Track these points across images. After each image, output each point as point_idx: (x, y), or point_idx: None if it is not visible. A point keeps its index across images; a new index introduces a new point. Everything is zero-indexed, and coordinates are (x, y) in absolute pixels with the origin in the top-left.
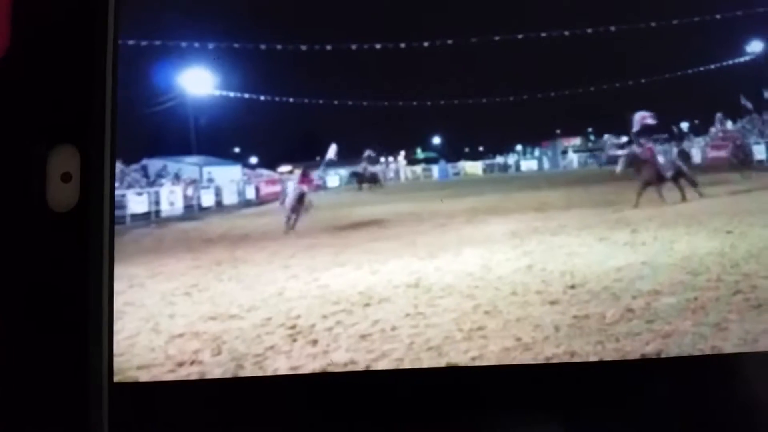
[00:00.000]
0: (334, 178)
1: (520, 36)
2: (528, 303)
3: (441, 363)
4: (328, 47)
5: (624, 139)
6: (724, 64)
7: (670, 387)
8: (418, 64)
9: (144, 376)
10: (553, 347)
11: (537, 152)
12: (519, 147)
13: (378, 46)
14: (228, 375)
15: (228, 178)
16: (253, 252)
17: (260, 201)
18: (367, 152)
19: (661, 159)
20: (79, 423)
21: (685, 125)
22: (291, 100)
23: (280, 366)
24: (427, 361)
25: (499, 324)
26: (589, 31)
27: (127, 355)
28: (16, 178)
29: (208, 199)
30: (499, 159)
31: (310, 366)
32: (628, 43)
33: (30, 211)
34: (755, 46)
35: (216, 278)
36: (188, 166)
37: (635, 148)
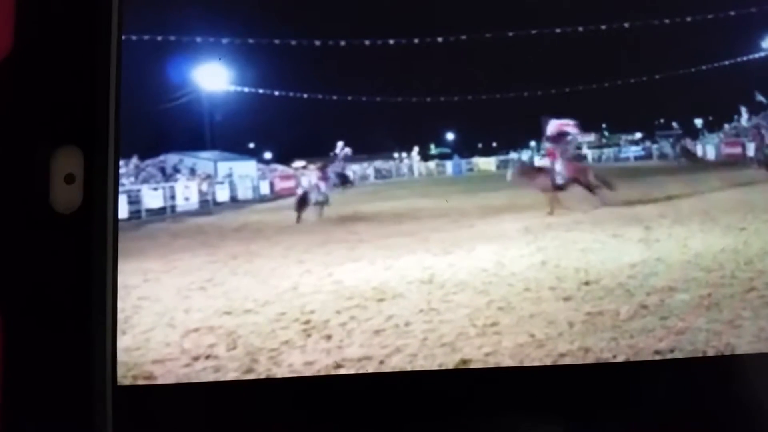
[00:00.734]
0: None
1: (534, 32)
2: (542, 299)
3: (455, 359)
4: (342, 43)
5: (638, 135)
6: (739, 60)
7: (671, 389)
8: (432, 59)
9: (159, 371)
10: (566, 344)
11: None
12: (533, 143)
13: (392, 42)
14: (243, 369)
15: (242, 174)
16: (267, 247)
17: (275, 196)
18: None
19: (558, 167)
20: (83, 427)
21: (698, 121)
22: (305, 95)
23: (294, 361)
24: (441, 357)
25: (512, 320)
26: (603, 27)
27: (143, 350)
28: (19, 180)
29: (222, 195)
30: (513, 155)
31: (324, 361)
32: (642, 40)
33: (33, 212)
34: None
35: (231, 273)
36: (203, 161)
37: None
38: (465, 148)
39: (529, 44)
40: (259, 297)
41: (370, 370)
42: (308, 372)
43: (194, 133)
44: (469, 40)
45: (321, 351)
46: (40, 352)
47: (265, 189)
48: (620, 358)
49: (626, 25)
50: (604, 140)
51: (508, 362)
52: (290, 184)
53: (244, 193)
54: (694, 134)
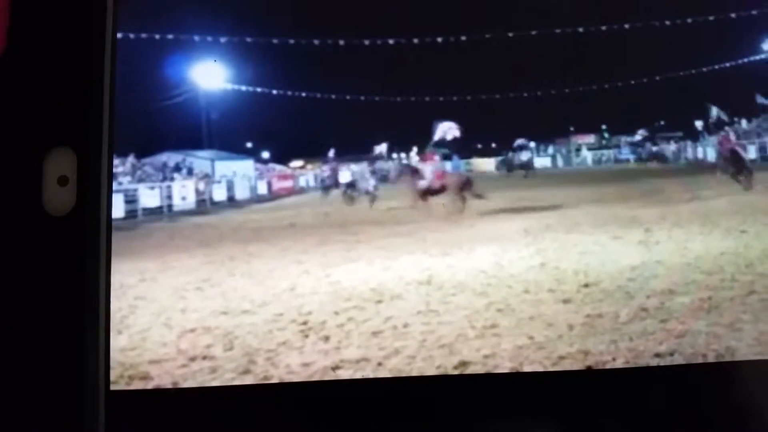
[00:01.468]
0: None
1: (534, 32)
2: (541, 301)
3: (453, 361)
4: (341, 42)
5: (638, 137)
6: (740, 62)
7: (670, 395)
8: (431, 59)
9: (155, 371)
10: (566, 346)
11: (551, 149)
12: (533, 144)
13: (391, 42)
14: (240, 370)
15: (240, 173)
16: (265, 247)
17: (272, 196)
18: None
19: (428, 173)
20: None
21: (699, 123)
22: (303, 94)
23: (292, 362)
24: (440, 359)
25: (511, 322)
26: (604, 28)
27: (139, 350)
28: (12, 182)
29: (219, 194)
30: (513, 155)
31: (322, 363)
32: (643, 41)
33: (27, 214)
34: None
35: (228, 273)
36: (200, 160)
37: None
38: (464, 149)
39: (529, 45)
40: (257, 297)
41: (368, 372)
42: (306, 373)
43: (191, 132)
44: (469, 40)
45: (319, 352)
46: (32, 355)
47: (262, 189)
48: (620, 361)
49: (627, 26)
50: (603, 141)
51: (507, 365)
52: (288, 183)
53: (241, 192)
54: (695, 137)
